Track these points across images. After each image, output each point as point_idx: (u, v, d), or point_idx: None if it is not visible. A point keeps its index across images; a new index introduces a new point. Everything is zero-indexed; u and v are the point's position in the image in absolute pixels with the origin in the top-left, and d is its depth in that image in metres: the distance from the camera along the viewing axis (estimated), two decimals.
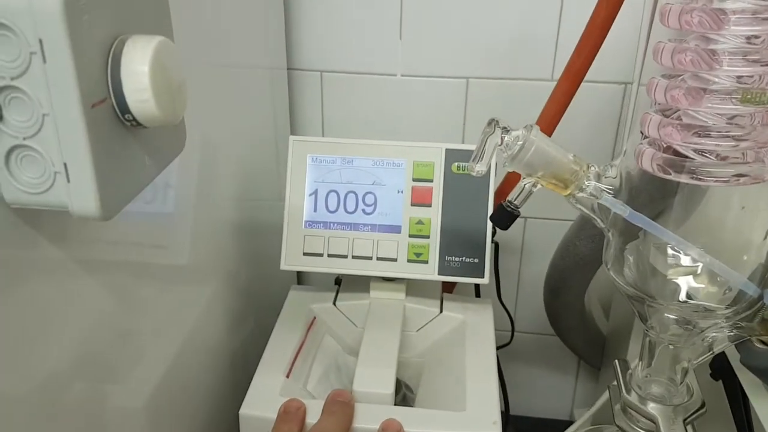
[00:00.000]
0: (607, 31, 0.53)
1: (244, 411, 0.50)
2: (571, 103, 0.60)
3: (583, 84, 0.59)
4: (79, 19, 0.26)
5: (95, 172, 0.28)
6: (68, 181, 0.28)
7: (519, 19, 0.71)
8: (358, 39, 0.75)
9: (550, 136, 0.60)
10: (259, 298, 0.69)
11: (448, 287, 0.69)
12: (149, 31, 0.30)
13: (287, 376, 0.54)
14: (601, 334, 0.75)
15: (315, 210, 0.59)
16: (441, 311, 0.61)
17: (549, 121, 0.59)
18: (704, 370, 0.55)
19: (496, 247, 0.66)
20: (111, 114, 0.29)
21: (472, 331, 0.59)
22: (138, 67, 0.28)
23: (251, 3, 0.64)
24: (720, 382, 0.55)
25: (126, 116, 0.29)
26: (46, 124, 0.27)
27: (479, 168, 0.40)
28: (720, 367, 0.54)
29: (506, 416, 0.77)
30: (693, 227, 0.42)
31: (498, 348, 0.73)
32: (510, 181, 0.64)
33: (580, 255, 0.63)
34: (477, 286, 0.70)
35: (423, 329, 0.62)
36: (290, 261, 0.59)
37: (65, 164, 0.28)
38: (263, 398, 0.51)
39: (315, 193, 0.59)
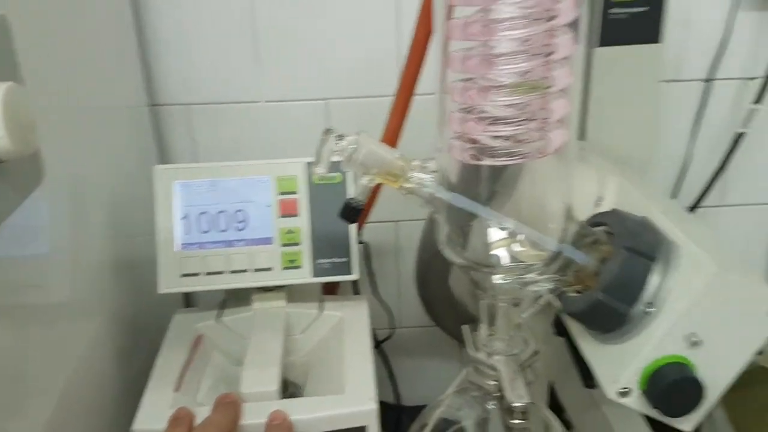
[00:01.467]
0: (427, 47, 0.61)
1: (136, 427, 0.53)
2: (417, 115, 0.67)
3: (425, 96, 0.67)
4: None
5: None
6: None
7: (363, 40, 0.78)
8: (218, 71, 0.80)
9: (395, 146, 0.67)
10: (147, 326, 0.71)
11: (331, 290, 0.75)
12: None
13: (177, 390, 0.57)
14: (472, 316, 0.83)
15: (188, 233, 0.62)
16: (321, 312, 0.67)
17: (393, 133, 0.66)
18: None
19: (366, 247, 0.73)
20: None
21: (349, 325, 0.64)
22: None
23: (105, 48, 0.68)
24: (564, 339, 0.63)
25: None
26: None
27: (319, 170, 0.46)
28: (560, 324, 0.62)
29: (398, 408, 0.83)
30: (513, 204, 0.50)
31: (381, 341, 0.80)
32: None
33: (437, 244, 0.70)
34: (355, 285, 0.76)
35: (306, 331, 0.66)
36: (168, 284, 0.62)
37: None
38: (154, 412, 0.53)
39: (187, 216, 0.62)
